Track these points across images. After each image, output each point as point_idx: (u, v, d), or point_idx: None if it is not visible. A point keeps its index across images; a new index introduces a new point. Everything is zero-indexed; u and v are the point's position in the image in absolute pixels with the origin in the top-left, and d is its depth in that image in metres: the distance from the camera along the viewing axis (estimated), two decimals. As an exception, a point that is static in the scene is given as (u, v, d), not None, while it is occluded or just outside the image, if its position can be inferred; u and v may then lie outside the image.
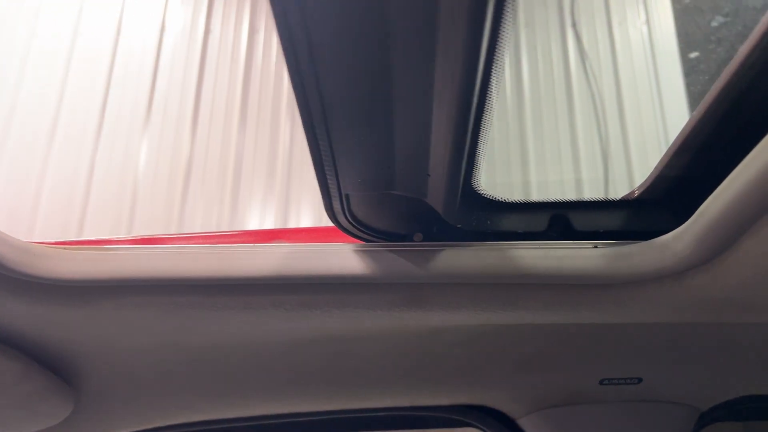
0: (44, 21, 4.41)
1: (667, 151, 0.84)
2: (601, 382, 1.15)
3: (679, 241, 0.79)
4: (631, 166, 3.80)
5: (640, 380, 1.14)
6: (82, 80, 4.27)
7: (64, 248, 0.87)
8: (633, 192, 0.90)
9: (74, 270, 0.84)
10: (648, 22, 4.10)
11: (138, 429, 1.21)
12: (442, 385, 1.17)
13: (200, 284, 0.87)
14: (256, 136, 4.26)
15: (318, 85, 0.60)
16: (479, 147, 0.73)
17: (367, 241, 0.88)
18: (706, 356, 1.11)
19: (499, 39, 0.55)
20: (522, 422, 1.24)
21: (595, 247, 0.86)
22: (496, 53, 0.58)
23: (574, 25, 4.16)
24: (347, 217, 0.84)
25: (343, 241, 0.88)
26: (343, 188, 0.77)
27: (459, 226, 0.86)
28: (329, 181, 0.75)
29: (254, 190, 4.14)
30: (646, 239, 0.84)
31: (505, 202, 0.89)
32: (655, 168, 0.87)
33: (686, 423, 1.22)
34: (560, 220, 0.90)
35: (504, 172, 3.92)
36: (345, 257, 0.86)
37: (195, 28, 4.53)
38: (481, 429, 1.28)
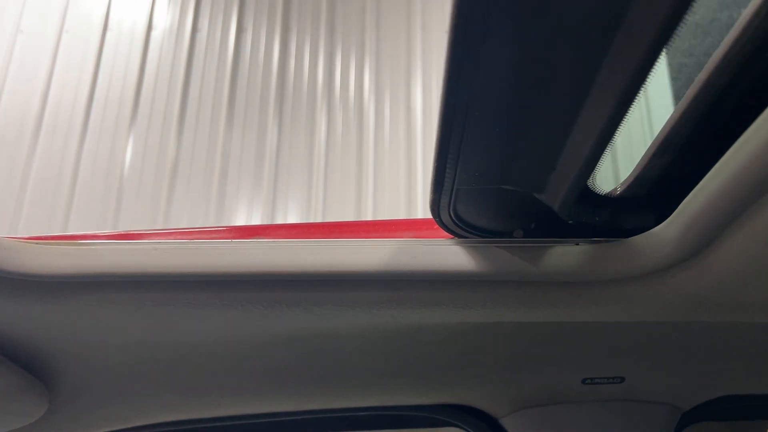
0: (29, 17, 4.37)
1: (649, 149, 0.84)
2: (583, 381, 1.14)
3: (660, 238, 0.79)
4: (618, 173, 3.81)
5: (622, 379, 1.14)
6: (67, 77, 4.23)
7: (38, 243, 0.85)
8: (615, 189, 0.90)
9: (48, 265, 0.83)
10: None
11: (115, 429, 1.19)
12: (424, 385, 1.17)
13: (177, 280, 0.86)
14: (243, 136, 4.24)
15: (473, 75, 0.58)
16: (609, 143, 0.72)
17: (463, 237, 0.86)
18: (688, 355, 1.10)
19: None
20: (504, 421, 1.23)
21: (577, 244, 0.85)
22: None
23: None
24: (449, 213, 0.81)
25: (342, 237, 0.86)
26: (457, 182, 0.75)
27: (570, 222, 0.84)
28: (447, 174, 0.73)
29: (241, 189, 4.12)
30: (629, 237, 0.84)
31: (612, 197, 0.87)
32: (637, 165, 0.87)
33: (668, 423, 1.22)
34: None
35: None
36: (329, 252, 0.84)
37: (182, 26, 4.50)
38: (463, 428, 1.27)
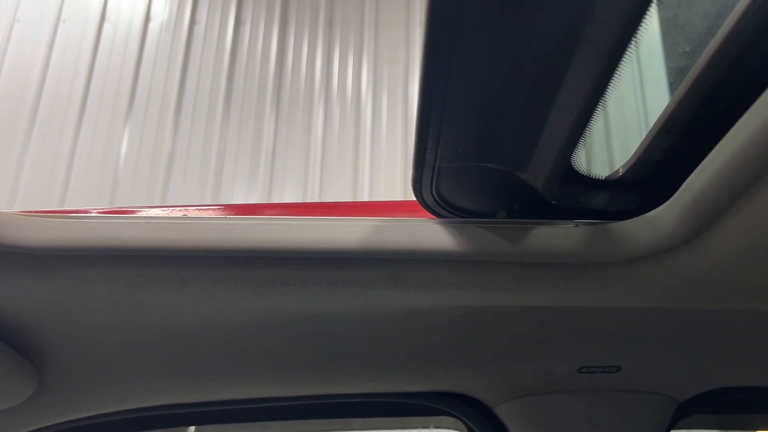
0: (26, 7, 4.35)
1: (651, 130, 0.83)
2: (579, 370, 1.13)
3: (660, 219, 0.78)
4: (614, 164, 3.81)
5: (618, 369, 1.13)
6: (63, 68, 4.21)
7: (26, 215, 0.83)
8: (617, 171, 0.89)
9: (37, 237, 0.81)
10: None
11: (104, 411, 1.17)
12: (418, 371, 1.15)
13: (169, 255, 0.84)
14: (239, 129, 4.23)
15: (451, 41, 0.58)
16: (590, 122, 0.72)
17: (444, 217, 0.85)
18: (686, 345, 1.10)
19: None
20: (499, 410, 1.22)
21: (576, 225, 0.84)
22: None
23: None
24: (431, 192, 0.81)
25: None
26: (439, 160, 0.74)
27: (554, 202, 0.84)
28: (428, 150, 0.72)
29: (237, 182, 4.10)
30: (629, 218, 0.83)
31: (599, 179, 0.86)
32: (639, 147, 0.86)
33: (663, 414, 1.21)
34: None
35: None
36: (323, 230, 0.83)
37: (181, 17, 4.48)
38: (456, 417, 1.26)
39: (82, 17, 4.33)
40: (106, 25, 4.35)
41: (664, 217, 0.77)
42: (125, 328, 1.01)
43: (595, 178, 0.86)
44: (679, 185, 0.74)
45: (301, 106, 4.29)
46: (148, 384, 1.13)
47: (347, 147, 4.18)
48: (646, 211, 0.81)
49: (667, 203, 0.77)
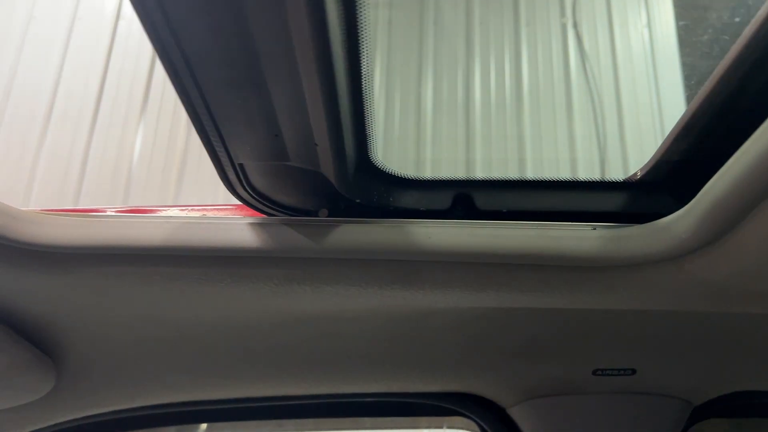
0: (43, 4, 4.38)
1: (670, 134, 0.82)
2: (594, 373, 1.13)
3: (679, 223, 0.78)
4: (628, 169, 3.79)
5: (633, 371, 1.13)
6: (79, 65, 4.24)
7: (48, 213, 0.84)
8: (635, 174, 0.88)
9: (57, 236, 0.82)
10: (649, 24, 4.09)
11: (120, 408, 1.18)
12: (431, 371, 1.15)
13: (188, 255, 0.85)
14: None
15: (179, 45, 0.58)
16: (366, 118, 0.73)
17: (269, 215, 0.86)
18: (702, 348, 1.09)
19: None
20: (512, 411, 1.22)
21: (594, 228, 0.84)
22: (352, 23, 0.59)
23: (575, 25, 4.15)
24: (245, 189, 0.81)
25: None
26: (235, 157, 0.75)
27: (358, 201, 0.84)
28: (217, 149, 0.73)
29: (249, 181, 4.11)
30: (647, 222, 0.83)
31: (410, 179, 0.88)
32: (658, 151, 0.86)
33: (679, 417, 1.21)
34: (465, 199, 0.89)
35: (501, 169, 3.91)
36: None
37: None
38: (469, 417, 1.26)
39: (98, 15, 4.36)
40: (121, 23, 4.37)
41: (683, 221, 0.77)
42: (142, 325, 1.02)
43: (404, 177, 0.87)
44: (697, 189, 0.74)
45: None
46: (164, 381, 1.14)
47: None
48: (664, 215, 0.81)
49: (685, 207, 0.77)
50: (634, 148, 3.81)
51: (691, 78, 3.77)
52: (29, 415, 1.13)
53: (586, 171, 3.80)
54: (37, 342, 1.01)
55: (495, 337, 1.06)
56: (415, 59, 4.38)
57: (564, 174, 3.86)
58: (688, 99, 3.74)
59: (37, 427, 1.16)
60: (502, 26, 4.26)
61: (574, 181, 0.90)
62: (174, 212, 0.92)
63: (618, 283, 0.86)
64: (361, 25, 0.61)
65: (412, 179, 0.89)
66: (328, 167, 0.76)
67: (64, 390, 1.10)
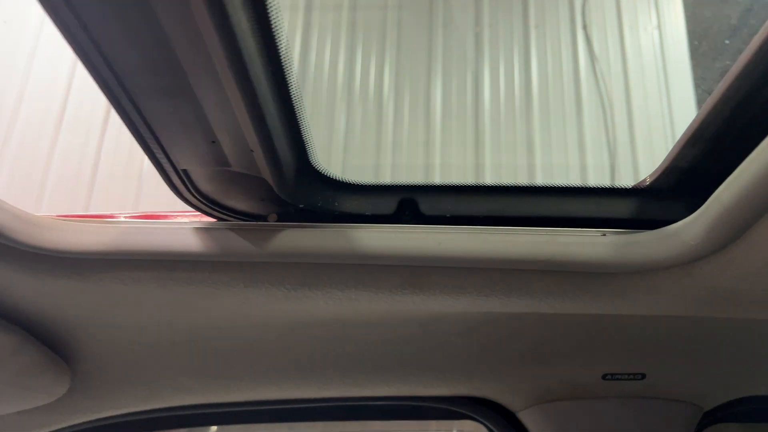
0: (55, 9, 4.41)
1: (679, 141, 0.83)
2: (604, 377, 1.13)
3: (689, 230, 0.78)
4: (639, 174, 3.77)
5: (643, 376, 1.13)
6: (90, 68, 4.26)
7: (65, 220, 0.86)
8: (644, 180, 0.89)
9: (74, 241, 0.83)
10: (659, 26, 4.08)
11: (133, 410, 1.20)
12: (442, 375, 1.16)
13: (200, 260, 0.86)
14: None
15: (103, 55, 0.60)
16: (299, 124, 0.75)
17: (220, 219, 0.87)
18: (712, 353, 1.09)
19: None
20: (522, 415, 1.22)
21: (604, 235, 0.84)
22: (266, 32, 0.61)
23: (584, 27, 4.14)
24: (193, 194, 0.83)
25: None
26: (177, 163, 0.77)
27: (301, 206, 0.85)
28: (157, 155, 0.75)
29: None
30: (656, 228, 0.83)
31: (354, 184, 0.89)
32: (667, 157, 0.86)
33: (689, 422, 1.20)
34: (410, 204, 0.89)
35: (510, 175, 3.90)
36: (352, 236, 0.84)
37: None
38: (479, 421, 1.26)
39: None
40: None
41: (692, 227, 0.77)
42: (156, 329, 1.03)
43: (349, 182, 0.89)
44: (707, 196, 0.74)
45: (323, 109, 4.31)
46: (176, 384, 1.15)
47: (369, 148, 4.19)
48: (673, 221, 0.81)
49: (695, 214, 0.77)
50: (644, 152, 3.80)
51: (702, 80, 3.76)
52: (44, 417, 1.15)
53: (597, 177, 3.79)
54: (53, 345, 1.02)
55: (505, 342, 1.06)
56: (424, 62, 4.39)
57: (574, 180, 3.85)
58: (699, 102, 3.73)
59: (51, 429, 1.18)
60: (512, 28, 4.26)
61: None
62: (188, 218, 0.93)
63: (627, 289, 0.87)
64: (276, 35, 0.63)
65: (357, 184, 0.90)
66: (266, 173, 0.77)
67: (78, 392, 1.12)
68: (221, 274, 0.87)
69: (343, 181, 0.89)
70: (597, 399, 1.18)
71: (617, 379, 1.13)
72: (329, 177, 0.87)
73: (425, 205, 0.89)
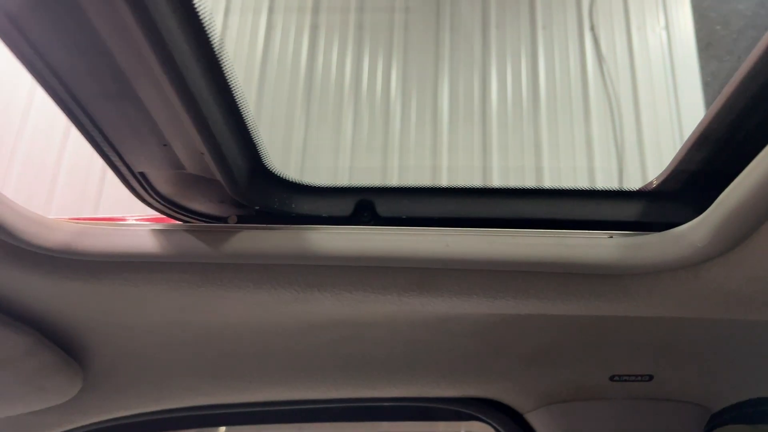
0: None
1: (686, 143, 0.83)
2: (611, 378, 1.13)
3: (696, 231, 0.78)
4: (646, 174, 3.76)
5: (651, 377, 1.13)
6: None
7: (77, 222, 0.87)
8: (651, 183, 0.89)
9: (86, 244, 0.84)
10: (667, 27, 4.07)
11: (145, 410, 1.21)
12: (449, 376, 1.17)
13: (211, 262, 0.87)
14: (270, 133, 4.27)
15: (45, 61, 0.61)
16: (248, 127, 0.76)
17: (185, 221, 0.88)
18: (719, 354, 1.09)
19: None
20: (529, 417, 1.23)
21: (611, 237, 0.85)
22: (200, 37, 0.63)
23: (592, 28, 4.14)
24: (153, 197, 0.84)
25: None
26: (133, 166, 0.78)
27: (257, 207, 0.86)
28: (112, 159, 0.76)
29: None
30: (663, 230, 0.83)
31: (310, 186, 0.90)
32: (674, 159, 0.86)
33: (697, 423, 1.21)
34: (367, 205, 0.90)
35: (518, 178, 3.90)
36: (361, 238, 0.85)
37: (212, 24, 4.54)
38: (487, 423, 1.27)
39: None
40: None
41: (700, 229, 0.77)
42: (167, 331, 1.04)
43: (305, 184, 0.89)
44: (713, 198, 0.74)
45: (330, 110, 4.33)
46: (187, 384, 1.17)
47: (375, 150, 4.20)
48: (680, 224, 0.82)
49: (701, 216, 0.77)
50: (652, 154, 3.79)
51: (710, 81, 3.75)
52: (56, 417, 1.16)
53: (605, 179, 3.78)
54: (65, 346, 1.03)
55: (513, 343, 1.07)
56: (432, 64, 4.39)
57: (582, 182, 3.85)
58: (708, 103, 3.71)
59: (63, 429, 1.19)
60: (519, 29, 4.25)
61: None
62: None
63: (634, 291, 0.87)
64: (210, 42, 0.64)
65: (314, 186, 0.91)
66: (219, 175, 0.78)
67: (90, 393, 1.13)
68: (233, 276, 0.89)
69: (299, 183, 0.90)
70: (604, 400, 1.18)
71: (625, 380, 1.14)
72: (285, 179, 0.89)
73: (382, 207, 0.90)
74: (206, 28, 0.63)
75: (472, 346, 1.08)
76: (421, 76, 4.38)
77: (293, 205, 0.89)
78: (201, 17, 0.62)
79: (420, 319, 0.99)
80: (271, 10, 4.61)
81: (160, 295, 0.93)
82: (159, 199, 0.85)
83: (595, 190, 0.91)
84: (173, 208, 0.86)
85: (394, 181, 4.11)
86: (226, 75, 0.70)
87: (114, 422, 1.23)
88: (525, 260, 0.84)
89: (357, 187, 0.91)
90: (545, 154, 3.90)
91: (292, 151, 4.23)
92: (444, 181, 4.08)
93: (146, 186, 0.82)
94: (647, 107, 3.91)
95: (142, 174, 0.80)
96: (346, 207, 0.90)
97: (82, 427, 1.20)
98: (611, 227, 0.87)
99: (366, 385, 1.19)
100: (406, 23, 4.55)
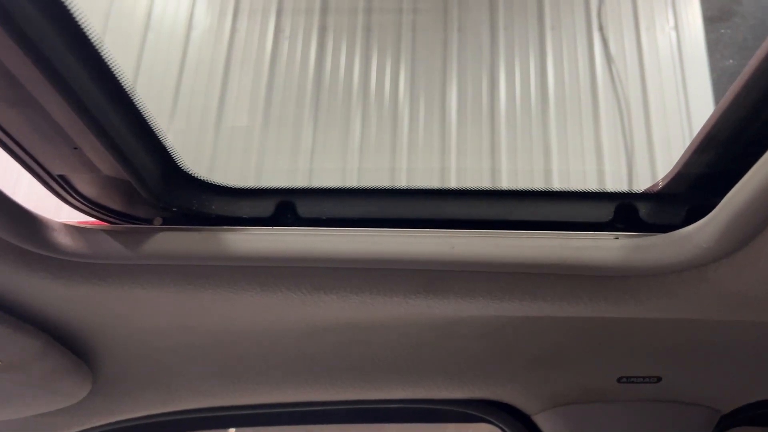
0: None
1: (691, 145, 0.83)
2: (619, 380, 1.13)
3: (702, 233, 0.78)
4: (656, 175, 3.74)
5: (659, 379, 1.12)
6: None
7: (87, 226, 0.88)
8: (657, 184, 0.89)
9: (95, 248, 0.85)
10: (677, 27, 4.05)
11: (152, 412, 1.22)
12: (457, 379, 1.16)
13: (218, 265, 0.88)
14: (278, 134, 4.28)
15: None
16: (152, 131, 0.77)
17: (112, 223, 0.88)
18: (728, 356, 1.08)
19: None
20: (537, 419, 1.22)
21: (617, 238, 0.84)
22: (81, 42, 0.62)
23: (601, 29, 4.12)
24: (77, 199, 0.84)
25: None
26: (51, 169, 0.78)
27: (175, 209, 0.87)
28: (28, 162, 0.76)
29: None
30: (669, 232, 0.83)
31: (230, 187, 0.90)
32: (679, 161, 0.86)
33: (706, 425, 1.20)
34: (288, 206, 0.90)
35: (527, 180, 3.89)
36: (367, 241, 0.85)
37: (221, 26, 4.57)
38: (494, 424, 1.27)
39: (127, 27, 4.46)
40: (150, 35, 4.47)
41: (706, 230, 0.77)
42: (175, 333, 1.05)
43: (225, 186, 0.90)
44: (719, 199, 0.74)
45: (338, 113, 4.34)
46: (195, 387, 1.17)
47: (384, 152, 4.20)
48: (686, 225, 0.81)
49: (707, 217, 0.77)
50: (662, 155, 3.77)
51: (720, 81, 3.72)
52: (65, 419, 1.17)
53: (614, 182, 3.76)
54: (75, 349, 1.04)
55: (520, 345, 1.06)
56: (439, 66, 4.39)
57: (590, 185, 3.83)
58: (718, 103, 3.69)
59: (72, 431, 1.20)
60: (527, 30, 4.24)
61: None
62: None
63: (641, 292, 0.87)
64: (98, 52, 0.65)
65: (234, 188, 0.91)
66: (130, 177, 0.78)
67: (99, 395, 1.14)
68: (240, 279, 0.89)
69: (219, 185, 0.91)
70: (612, 402, 1.17)
71: (632, 382, 1.13)
72: (203, 181, 0.89)
73: (303, 208, 0.90)
74: (86, 33, 0.63)
75: (478, 348, 1.08)
76: (429, 78, 4.38)
77: (213, 207, 0.90)
78: (77, 20, 0.62)
79: (426, 321, 0.99)
80: (279, 13, 4.63)
81: (168, 298, 0.93)
82: (83, 201, 0.85)
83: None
84: (97, 210, 0.87)
85: (402, 183, 4.11)
86: (119, 81, 0.70)
87: (122, 424, 1.23)
88: (531, 262, 0.83)
89: (277, 189, 0.92)
90: (554, 156, 3.88)
91: (300, 152, 4.24)
92: (453, 183, 4.08)
93: (68, 188, 0.83)
94: (657, 108, 3.89)
95: (62, 177, 0.81)
96: (266, 208, 0.90)
97: (91, 429, 1.21)
98: (617, 229, 0.87)
99: (373, 387, 1.19)
100: (414, 24, 4.55)
